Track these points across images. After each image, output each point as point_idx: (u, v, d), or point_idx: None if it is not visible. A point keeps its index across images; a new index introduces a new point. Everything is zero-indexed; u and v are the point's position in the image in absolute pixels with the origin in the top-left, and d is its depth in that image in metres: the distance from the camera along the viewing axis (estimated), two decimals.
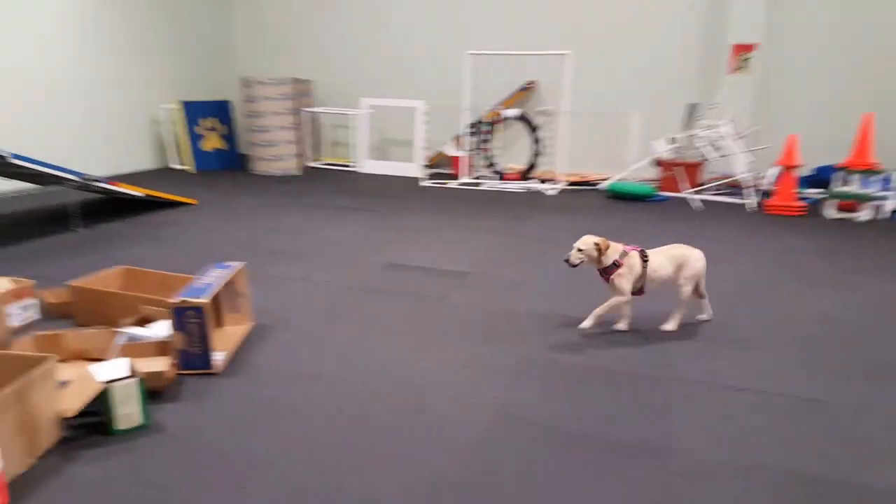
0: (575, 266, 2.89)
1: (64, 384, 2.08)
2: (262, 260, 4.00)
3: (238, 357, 2.64)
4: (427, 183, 7.16)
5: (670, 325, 3.00)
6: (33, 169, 4.21)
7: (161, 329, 2.64)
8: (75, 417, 2.09)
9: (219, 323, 2.91)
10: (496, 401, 2.34)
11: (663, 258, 2.93)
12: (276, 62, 8.92)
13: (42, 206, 5.36)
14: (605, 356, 2.74)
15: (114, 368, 2.16)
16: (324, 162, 8.44)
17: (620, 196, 6.57)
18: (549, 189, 6.86)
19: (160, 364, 2.39)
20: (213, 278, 2.68)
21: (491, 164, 7.19)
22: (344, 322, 3.06)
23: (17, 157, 4.02)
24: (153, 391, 2.29)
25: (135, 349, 2.47)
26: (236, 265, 2.88)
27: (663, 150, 6.80)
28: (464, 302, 3.38)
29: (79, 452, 1.96)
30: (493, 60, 7.85)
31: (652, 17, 7.46)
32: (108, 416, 2.05)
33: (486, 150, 7.10)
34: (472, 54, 6.89)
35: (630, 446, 2.07)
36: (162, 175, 7.21)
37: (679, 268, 2.94)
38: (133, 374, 2.15)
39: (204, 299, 2.41)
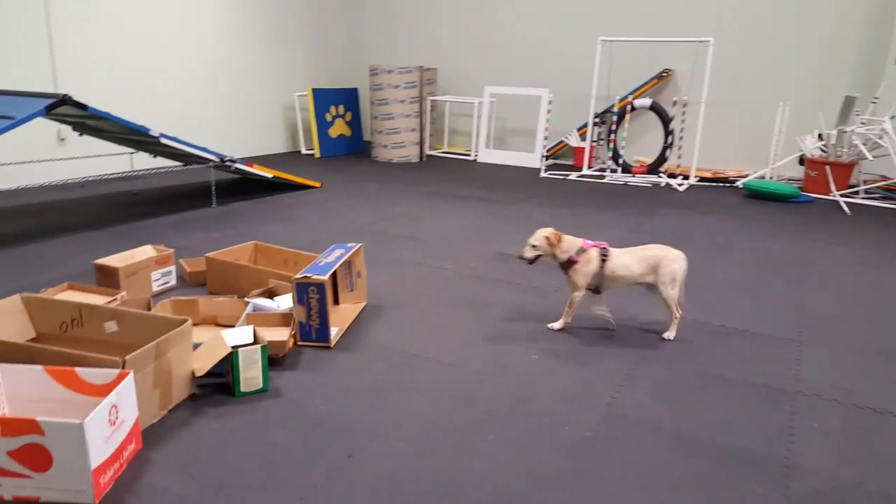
0: (531, 262, 2.75)
1: (196, 346, 2.25)
2: (379, 243, 4.12)
3: (351, 333, 2.74)
4: (547, 174, 7.05)
5: (669, 334, 2.78)
6: (179, 149, 4.58)
7: (284, 301, 2.79)
8: (204, 377, 2.26)
9: (336, 300, 3.03)
10: (606, 399, 2.26)
11: (631, 258, 2.72)
12: (403, 50, 9.13)
13: (184, 183, 5.84)
14: (725, 362, 2.55)
15: (240, 335, 2.31)
16: (442, 150, 8.55)
17: (759, 195, 6.10)
18: (679, 184, 6.52)
19: (281, 334, 2.52)
20: (334, 257, 2.78)
21: (617, 156, 6.94)
22: (454, 308, 3.08)
23: (165, 136, 4.40)
24: (273, 358, 2.43)
25: (259, 318, 2.63)
26: (355, 246, 2.98)
27: (812, 146, 6.23)
28: None
29: (205, 409, 2.11)
30: (625, 47, 7.56)
31: None
32: (233, 378, 2.18)
33: (612, 141, 6.86)
34: (604, 41, 6.64)
35: (748, 460, 1.91)
36: (290, 158, 7.61)
37: (652, 269, 2.71)
38: (257, 341, 2.28)
39: (324, 277, 2.51)
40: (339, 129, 8.11)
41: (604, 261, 2.71)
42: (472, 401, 2.22)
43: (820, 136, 6.25)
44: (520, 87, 8.04)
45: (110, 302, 2.60)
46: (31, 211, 4.61)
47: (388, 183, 6.25)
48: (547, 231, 2.73)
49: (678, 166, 6.89)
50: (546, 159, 7.53)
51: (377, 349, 2.60)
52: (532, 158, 7.65)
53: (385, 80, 7.45)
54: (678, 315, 2.77)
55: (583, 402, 2.24)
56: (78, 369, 1.84)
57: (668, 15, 7.41)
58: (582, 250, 2.72)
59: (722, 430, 2.07)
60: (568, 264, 2.74)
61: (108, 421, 1.67)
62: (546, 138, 7.26)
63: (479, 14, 8.52)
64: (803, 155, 6.31)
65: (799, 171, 6.64)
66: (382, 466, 1.84)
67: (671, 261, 2.71)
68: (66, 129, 5.54)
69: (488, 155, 7.94)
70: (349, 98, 8.24)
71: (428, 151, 8.27)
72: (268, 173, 5.28)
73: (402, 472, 1.81)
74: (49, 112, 3.73)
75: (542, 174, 7.04)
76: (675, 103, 6.86)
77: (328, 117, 7.95)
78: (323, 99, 7.86)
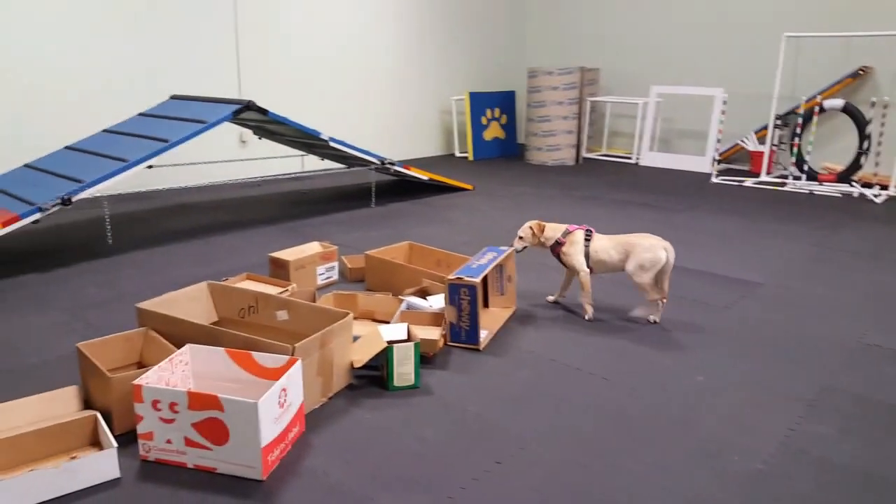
0: (519, 252, 2.99)
1: (355, 338, 2.35)
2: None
3: (500, 337, 2.71)
4: (718, 179, 6.56)
5: (653, 317, 2.89)
6: (345, 152, 4.86)
7: (436, 301, 2.84)
8: (361, 368, 2.35)
9: (485, 303, 3.02)
10: (782, 431, 2.03)
11: (610, 243, 2.87)
12: (564, 52, 8.99)
13: (347, 184, 6.18)
14: None
15: (395, 331, 2.37)
16: (601, 153, 8.29)
17: None
18: (876, 195, 5.76)
19: (433, 333, 2.57)
20: (486, 260, 2.78)
21: (801, 162, 6.29)
22: (610, 318, 2.94)
23: (334, 140, 4.68)
24: (425, 356, 2.47)
25: (413, 317, 2.69)
26: (507, 250, 2.95)
27: None
28: (751, 315, 3.00)
29: (361, 400, 2.19)
30: (814, 42, 6.83)
31: None
32: (387, 372, 2.25)
33: (795, 145, 6.23)
34: (789, 37, 6.03)
35: None
36: (444, 161, 7.78)
37: (626, 255, 2.82)
38: (410, 339, 2.34)
39: (476, 279, 2.51)
40: (493, 131, 8.17)
41: (588, 241, 2.88)
42: (627, 418, 2.10)
43: None
44: (690, 85, 7.57)
45: (282, 292, 2.80)
46: (215, 206, 5.13)
47: (542, 186, 6.17)
48: (531, 223, 2.98)
49: (875, 175, 6.09)
50: (718, 163, 7.00)
51: (526, 355, 2.55)
52: (702, 162, 7.16)
53: (544, 81, 7.37)
54: (652, 298, 2.83)
55: (755, 432, 2.03)
56: (254, 353, 1.99)
57: (866, 5, 6.58)
58: (567, 232, 2.92)
59: None
60: (556, 247, 2.93)
61: (278, 403, 1.78)
62: (719, 141, 6.76)
63: (646, 11, 8.14)
64: None
65: None
66: (530, 476, 1.79)
67: (644, 249, 2.78)
68: (248, 133, 6.10)
69: (652, 158, 7.56)
70: (506, 101, 8.27)
71: (585, 154, 8.06)
72: (423, 176, 5.43)
73: (551, 485, 1.75)
74: (235, 117, 4.12)
75: (713, 179, 6.56)
76: (873, 105, 6.06)
77: (483, 120, 8.03)
78: (479, 102, 7.95)
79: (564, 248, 2.90)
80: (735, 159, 7.50)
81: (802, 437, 2.00)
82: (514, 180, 6.48)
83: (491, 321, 2.86)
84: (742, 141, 7.11)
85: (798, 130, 6.15)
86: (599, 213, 5.05)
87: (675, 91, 7.27)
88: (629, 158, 7.87)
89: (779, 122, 6.55)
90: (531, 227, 2.95)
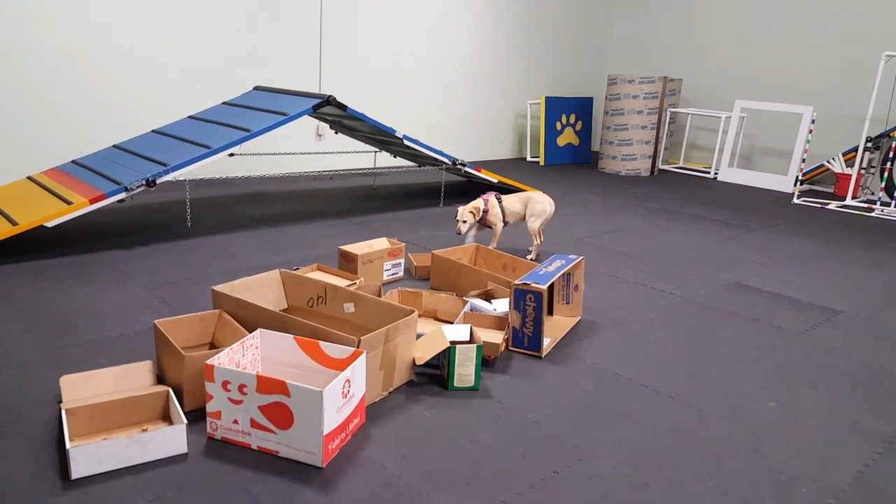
0: (461, 234, 3.74)
1: (418, 336, 2.37)
2: (597, 257, 3.99)
3: (563, 347, 2.67)
4: (800, 200, 6.26)
5: (531, 256, 3.81)
6: (418, 150, 4.90)
7: (500, 305, 2.82)
8: (422, 366, 2.37)
9: (549, 310, 2.98)
10: (856, 466, 1.91)
11: (514, 199, 3.84)
12: (646, 60, 8.79)
13: (416, 182, 6.23)
14: None
15: (458, 331, 2.38)
16: (677, 165, 8.06)
17: None
18: None
19: (495, 336, 2.55)
20: (554, 268, 2.75)
21: (892, 188, 5.92)
22: (678, 335, 2.86)
23: (408, 139, 4.73)
24: (486, 359, 2.46)
25: (476, 318, 2.69)
26: (576, 259, 2.90)
27: None
28: (829, 343, 2.85)
29: (421, 397, 2.21)
30: None
31: None
32: (448, 372, 2.26)
33: (887, 170, 5.88)
34: (889, 56, 5.69)
35: None
36: (514, 165, 7.73)
37: (524, 205, 3.82)
38: (473, 340, 2.33)
39: (543, 286, 2.49)
40: (567, 137, 8.07)
41: (499, 201, 3.79)
42: (692, 440, 2.03)
43: None
44: (777, 102, 7.25)
45: (350, 285, 2.85)
46: (289, 196, 5.27)
47: (613, 196, 6.05)
48: (467, 207, 3.65)
49: None
50: (801, 184, 6.69)
51: (589, 367, 2.50)
52: (783, 182, 6.86)
53: (624, 89, 7.23)
54: (537, 242, 3.81)
55: (828, 464, 1.92)
56: (321, 342, 2.03)
57: None
58: (485, 202, 3.74)
59: None
60: (484, 216, 3.73)
61: (342, 393, 1.81)
62: (804, 161, 6.45)
63: (735, 24, 7.86)
64: None
65: None
66: (589, 489, 1.75)
67: (536, 201, 3.79)
68: (324, 127, 6.24)
69: (730, 174, 7.29)
70: (582, 107, 8.15)
71: (661, 166, 7.85)
72: (493, 178, 5.42)
73: (610, 500, 1.71)
74: (315, 111, 4.22)
75: (795, 200, 6.27)
76: None
77: (558, 125, 7.95)
78: (555, 107, 7.87)
79: (489, 213, 3.74)
80: (819, 180, 7.15)
81: (879, 474, 1.88)
82: (584, 188, 6.38)
83: (554, 329, 2.82)
84: (828, 162, 6.77)
85: (891, 155, 5.80)
86: (672, 226, 4.91)
87: (761, 107, 6.98)
88: (707, 173, 7.62)
89: (870, 144, 6.20)
90: (471, 211, 3.64)
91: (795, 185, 6.51)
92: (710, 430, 2.09)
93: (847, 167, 6.61)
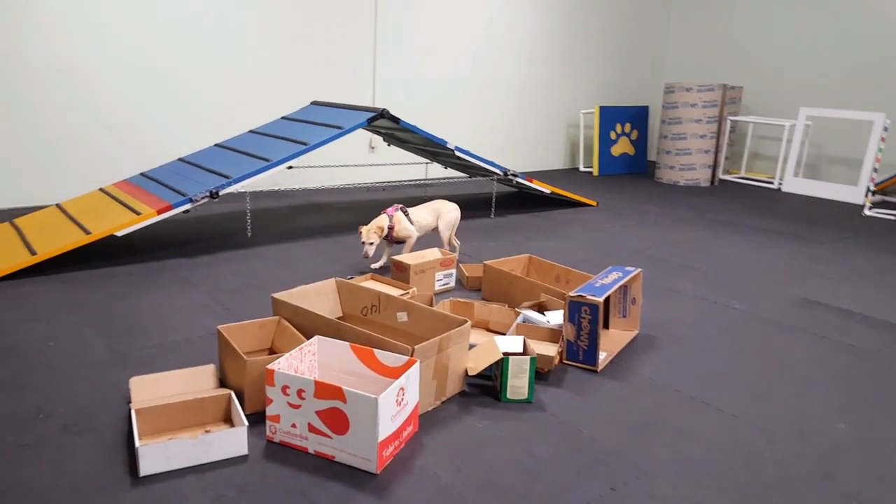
0: (369, 257, 3.49)
1: (471, 346, 2.36)
2: (655, 270, 3.90)
3: (620, 361, 2.62)
4: (871, 212, 5.98)
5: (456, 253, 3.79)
6: (469, 161, 4.91)
7: (554, 317, 2.78)
8: (475, 376, 2.36)
9: (606, 324, 2.93)
10: None
11: (423, 211, 3.73)
12: (705, 68, 8.58)
13: (467, 192, 6.24)
14: None
15: (511, 343, 2.36)
16: (739, 175, 7.81)
17: None
18: None
19: (549, 349, 2.52)
20: (611, 280, 2.70)
21: None
22: (741, 352, 2.76)
23: (459, 150, 4.74)
24: (539, 372, 2.44)
25: (529, 330, 2.66)
26: (634, 271, 2.85)
27: None
28: None
29: (473, 408, 2.20)
30: None
31: None
32: (501, 384, 2.24)
33: None
34: None
35: None
36: (567, 175, 7.66)
37: (436, 216, 3.76)
38: (526, 352, 2.31)
39: (599, 298, 2.45)
40: (622, 147, 7.94)
41: (407, 215, 3.63)
42: (758, 462, 1.95)
43: None
44: (845, 109, 6.96)
45: (403, 295, 2.87)
46: (344, 206, 5.37)
47: (671, 207, 5.91)
48: (370, 227, 3.47)
49: None
50: (873, 195, 6.38)
51: (647, 383, 2.44)
52: (853, 192, 6.56)
53: (681, 97, 7.08)
54: (448, 245, 3.82)
55: None
56: (376, 350, 2.05)
57: None
58: (390, 217, 3.54)
59: None
60: (390, 232, 3.54)
61: (396, 401, 1.82)
62: (876, 170, 6.16)
63: (798, 29, 7.60)
64: None
65: None
66: None
67: (448, 211, 3.80)
68: (377, 139, 6.34)
69: (796, 184, 7.02)
70: (638, 116, 8.02)
71: (721, 176, 7.64)
72: (545, 189, 5.38)
73: None
74: (370, 124, 4.29)
75: (866, 212, 5.98)
76: None
77: (612, 135, 7.84)
78: (610, 116, 7.77)
79: (396, 228, 3.56)
80: (893, 191, 6.80)
81: None
82: (641, 198, 6.26)
83: (610, 343, 2.77)
84: None
85: None
86: (735, 238, 4.76)
87: (828, 114, 6.70)
88: (770, 183, 7.36)
89: None
90: (374, 231, 3.48)
91: (866, 195, 6.21)
92: (777, 451, 2.01)
93: None
